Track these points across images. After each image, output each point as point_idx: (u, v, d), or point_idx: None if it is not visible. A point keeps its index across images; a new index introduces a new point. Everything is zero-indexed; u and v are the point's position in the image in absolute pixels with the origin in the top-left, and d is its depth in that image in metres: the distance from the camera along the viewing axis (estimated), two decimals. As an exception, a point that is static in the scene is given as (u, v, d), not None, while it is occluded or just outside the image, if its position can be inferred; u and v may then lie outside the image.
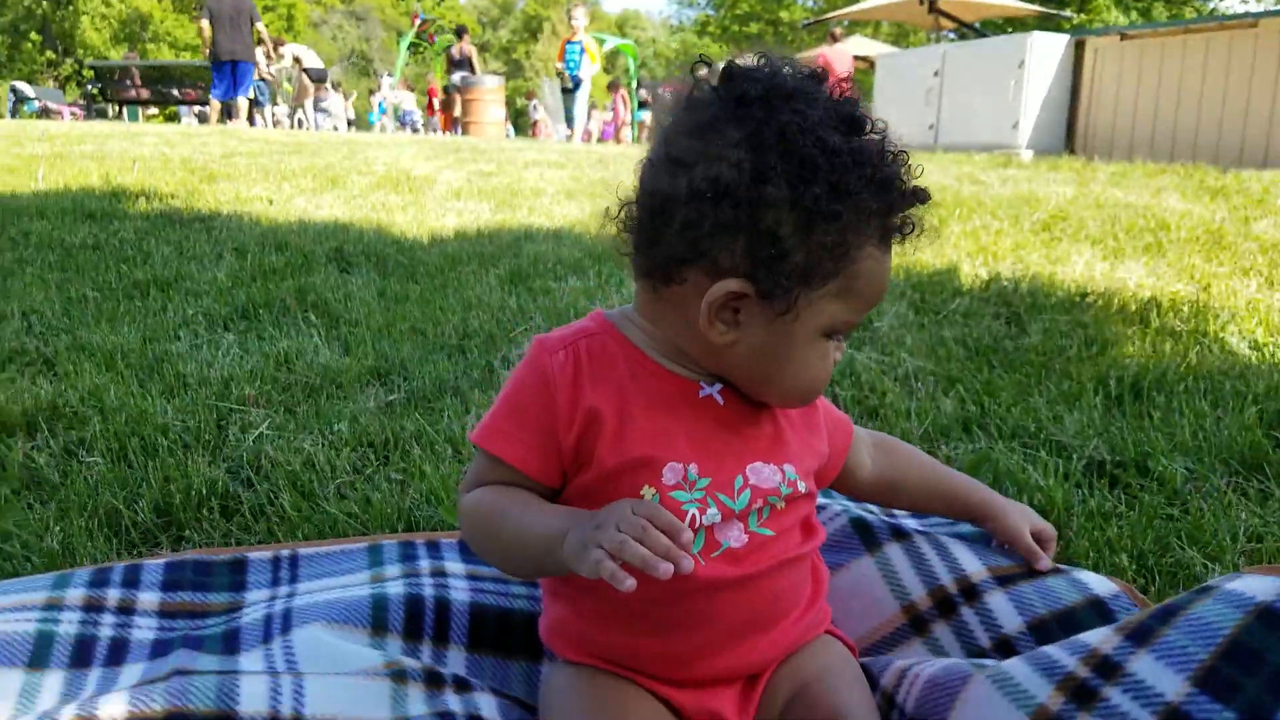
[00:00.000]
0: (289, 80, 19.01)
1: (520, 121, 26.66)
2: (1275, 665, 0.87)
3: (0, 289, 3.11)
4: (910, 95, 11.53)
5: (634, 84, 22.41)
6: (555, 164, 8.29)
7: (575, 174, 7.42)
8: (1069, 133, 10.31)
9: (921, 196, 0.95)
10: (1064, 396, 2.12)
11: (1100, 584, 1.18)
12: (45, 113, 21.86)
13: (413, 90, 23.43)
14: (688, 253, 0.93)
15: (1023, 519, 1.24)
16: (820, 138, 0.88)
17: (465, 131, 17.58)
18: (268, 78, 16.01)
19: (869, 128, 0.93)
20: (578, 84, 14.32)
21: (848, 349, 2.47)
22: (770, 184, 0.88)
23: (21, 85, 24.75)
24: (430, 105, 21.10)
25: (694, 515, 0.96)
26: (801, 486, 1.03)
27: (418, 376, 2.27)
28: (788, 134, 0.88)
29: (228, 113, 13.75)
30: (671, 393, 0.99)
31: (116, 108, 23.01)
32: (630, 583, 0.80)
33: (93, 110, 23.59)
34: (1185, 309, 2.93)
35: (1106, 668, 0.95)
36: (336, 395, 2.16)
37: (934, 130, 11.09)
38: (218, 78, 13.44)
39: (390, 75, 24.31)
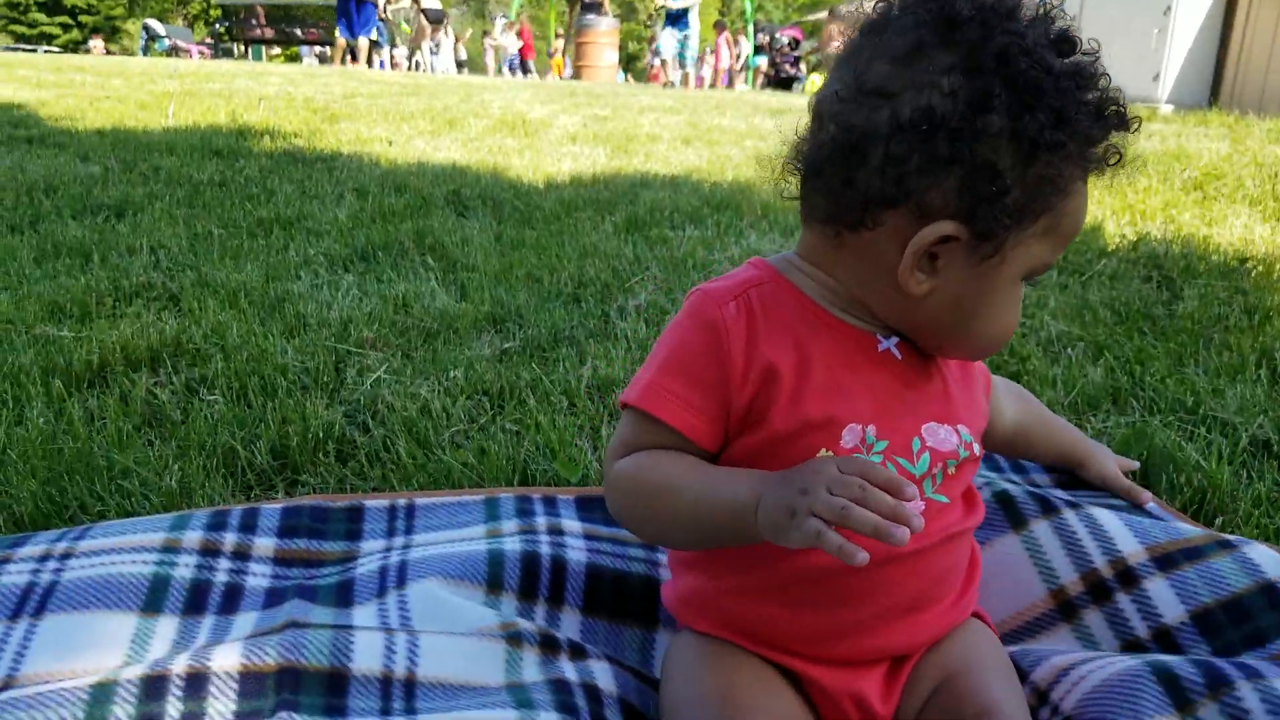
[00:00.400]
0: (407, 21, 19.16)
1: (633, 66, 26.37)
2: (1256, 626, 1.01)
3: (131, 223, 3.19)
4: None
5: (750, 25, 21.93)
6: (670, 109, 8.16)
7: (691, 119, 7.28)
8: (1215, 87, 9.65)
9: (1132, 123, 0.87)
10: (1224, 369, 1.95)
11: (1272, 563, 1.07)
12: (175, 51, 22.61)
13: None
14: (890, 193, 0.83)
15: (1112, 459, 1.26)
16: (1042, 59, 0.80)
17: (577, 75, 17.49)
18: (386, 18, 16.18)
19: (1081, 47, 0.84)
20: (676, 17, 13.31)
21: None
22: (992, 112, 0.79)
23: (153, 23, 25.61)
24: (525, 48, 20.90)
25: None
26: (976, 449, 0.96)
27: (533, 324, 2.23)
28: (1008, 56, 0.79)
29: (351, 54, 13.97)
30: (850, 347, 0.91)
31: (242, 46, 23.66)
32: (863, 556, 0.70)
33: (219, 49, 24.34)
34: (1361, 279, 2.68)
35: None
36: (452, 341, 2.14)
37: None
38: (341, 17, 13.67)
39: (505, 17, 24.28)
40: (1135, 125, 0.87)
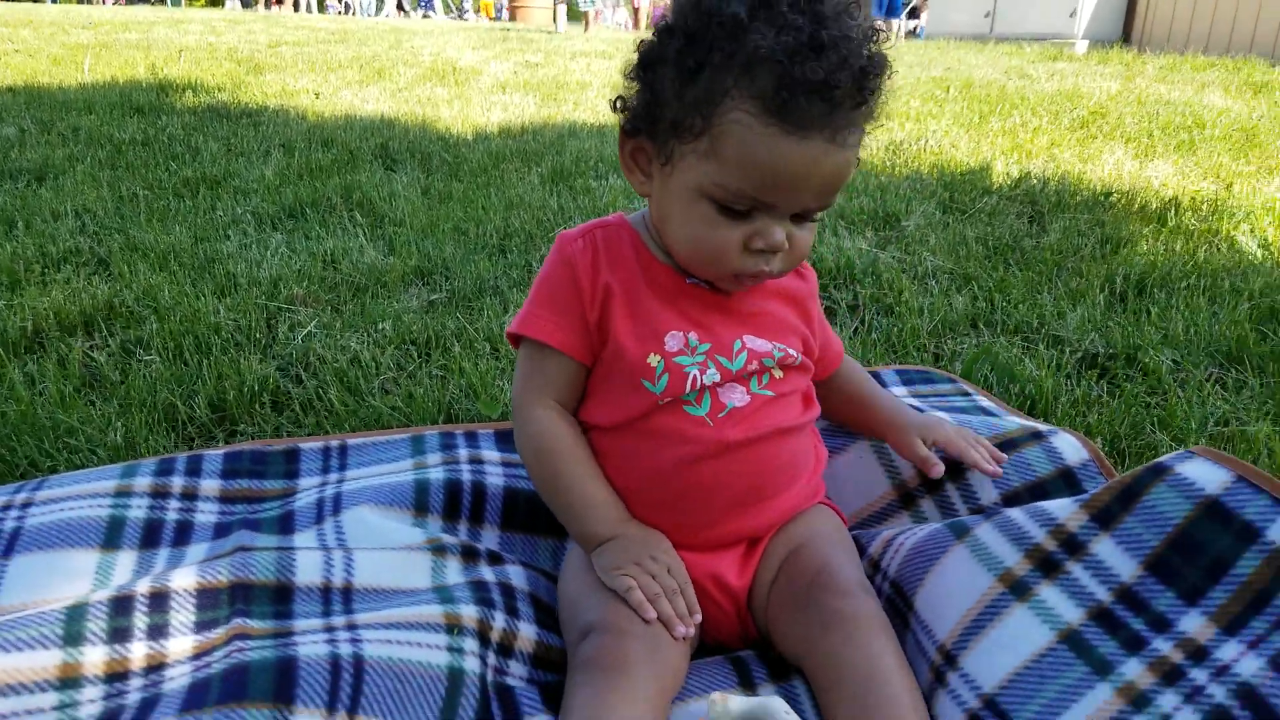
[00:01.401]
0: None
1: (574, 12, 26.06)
2: (1212, 555, 1.02)
3: (53, 187, 3.23)
4: (967, -19, 11.18)
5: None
6: (602, 54, 8.20)
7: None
8: (1127, 22, 9.94)
9: (801, 84, 0.94)
10: (1071, 294, 2.18)
11: (1072, 451, 1.30)
12: (88, -4, 21.80)
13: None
14: (629, 124, 1.08)
15: (914, 434, 1.30)
16: (725, 11, 0.96)
17: (513, 18, 17.27)
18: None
19: (789, 8, 0.96)
20: None
21: (872, 249, 2.51)
22: (667, 45, 1.01)
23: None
24: None
25: (695, 376, 1.10)
26: (793, 352, 1.16)
27: (459, 276, 2.36)
28: (699, 5, 0.98)
29: None
30: (668, 283, 1.13)
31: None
32: (652, 614, 1.03)
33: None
34: (1204, 208, 2.93)
35: (1072, 545, 1.08)
36: (381, 295, 2.26)
37: (990, 19, 10.75)
38: None
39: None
40: (803, 86, 0.94)
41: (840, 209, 2.88)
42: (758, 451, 1.12)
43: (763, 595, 1.13)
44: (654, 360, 1.10)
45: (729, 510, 1.12)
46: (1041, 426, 1.38)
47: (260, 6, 13.43)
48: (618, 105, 1.09)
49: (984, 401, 1.59)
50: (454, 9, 21.17)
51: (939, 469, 1.27)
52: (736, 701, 0.98)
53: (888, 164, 3.59)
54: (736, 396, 1.12)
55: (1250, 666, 0.91)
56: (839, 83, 0.95)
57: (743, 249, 1.05)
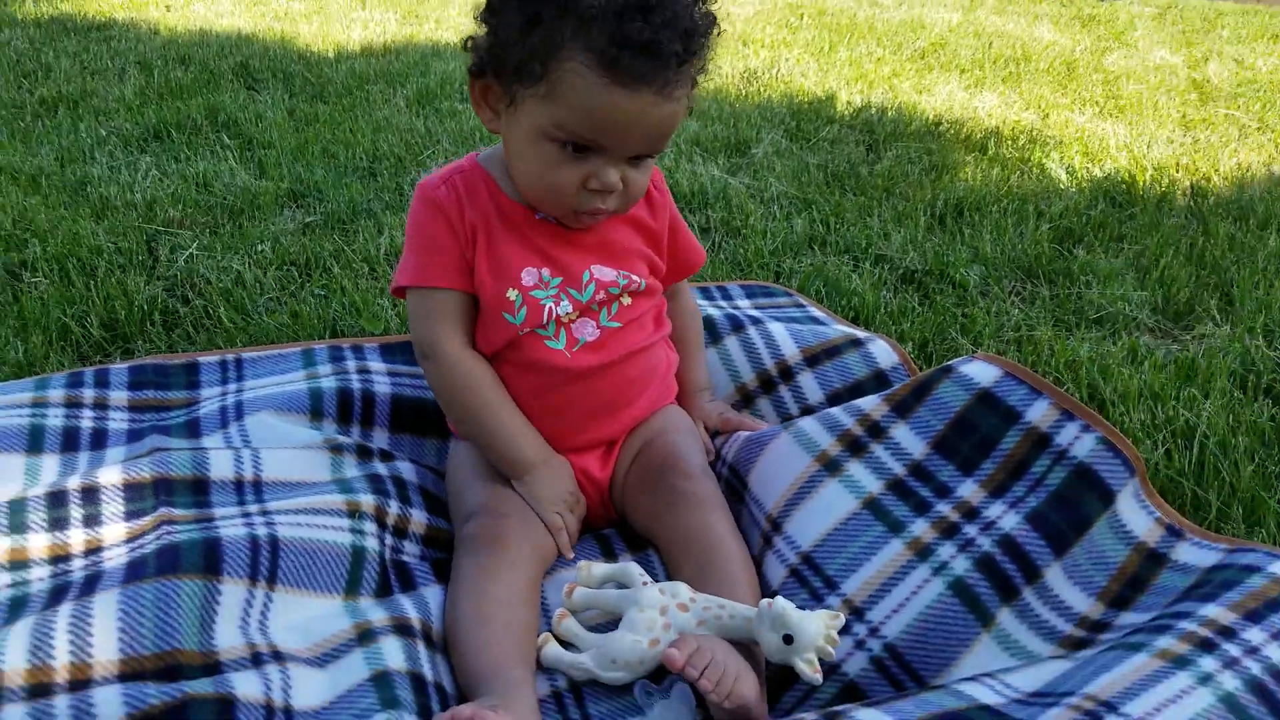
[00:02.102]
0: None
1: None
2: (983, 432, 1.25)
3: (-98, 106, 3.13)
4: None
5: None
6: (460, -32, 8.06)
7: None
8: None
9: (629, 43, 1.05)
10: (897, 217, 2.44)
11: (885, 355, 1.55)
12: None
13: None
14: (476, 65, 1.19)
15: (706, 412, 1.46)
16: None
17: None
18: None
19: None
20: None
21: (723, 175, 2.72)
22: None
23: None
24: None
25: (550, 308, 1.26)
26: (636, 278, 1.30)
27: (332, 199, 2.45)
28: None
29: None
30: (519, 220, 1.27)
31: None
32: (571, 555, 1.24)
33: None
34: (1021, 138, 3.24)
35: (875, 430, 1.30)
36: (256, 217, 2.34)
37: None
38: None
39: None
40: (633, 41, 1.05)
41: (695, 136, 3.07)
42: (610, 373, 1.30)
43: (620, 482, 1.34)
44: (512, 294, 1.25)
45: (589, 422, 1.32)
46: (861, 334, 1.63)
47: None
48: (468, 45, 1.20)
49: (815, 312, 1.83)
50: None
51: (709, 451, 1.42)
52: (600, 568, 1.19)
53: (742, 92, 3.78)
54: (588, 331, 1.28)
55: (1010, 521, 1.15)
56: (664, 41, 1.06)
57: (580, 187, 1.17)
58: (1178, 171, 2.94)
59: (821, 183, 2.68)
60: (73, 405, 1.40)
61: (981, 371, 1.31)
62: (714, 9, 1.17)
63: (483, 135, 3.10)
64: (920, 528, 1.18)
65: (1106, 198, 2.66)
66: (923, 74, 4.20)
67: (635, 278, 1.31)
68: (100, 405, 1.42)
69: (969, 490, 1.21)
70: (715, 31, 1.17)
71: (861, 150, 3.03)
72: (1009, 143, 3.18)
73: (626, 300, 1.31)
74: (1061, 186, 2.78)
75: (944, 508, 1.20)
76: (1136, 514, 1.16)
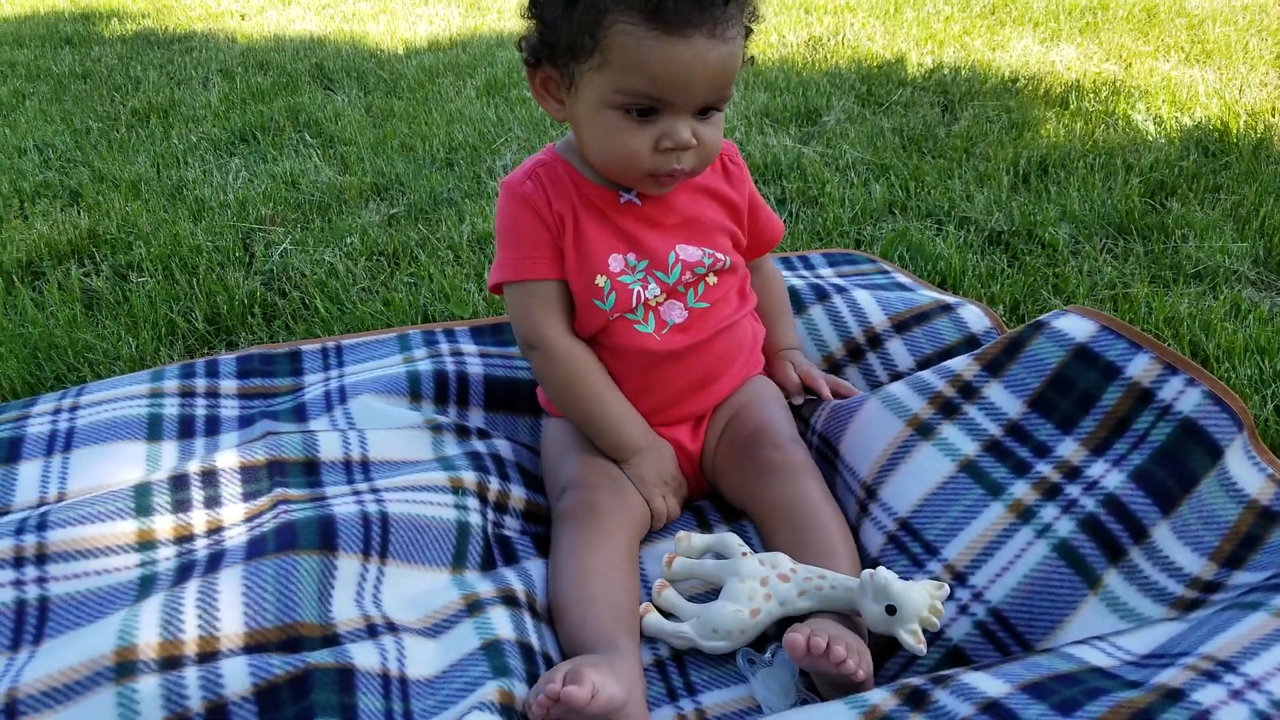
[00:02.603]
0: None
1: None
2: (1081, 389, 1.22)
3: (8, 123, 3.27)
4: None
5: None
6: (522, -41, 8.11)
7: (543, -30, 7.28)
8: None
9: None
10: (978, 178, 2.39)
11: (976, 319, 1.52)
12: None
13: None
14: (530, 56, 1.21)
15: (786, 362, 1.46)
16: None
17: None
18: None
19: None
20: None
21: (796, 145, 2.70)
22: None
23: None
24: None
25: (638, 292, 1.27)
26: (721, 256, 1.30)
27: (414, 190, 2.51)
28: None
29: None
30: (602, 203, 1.27)
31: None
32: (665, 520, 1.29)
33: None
34: (1104, 90, 3.14)
35: (968, 390, 1.28)
36: (343, 211, 2.40)
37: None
38: None
39: None
40: None
41: (765, 107, 3.05)
42: (699, 352, 1.31)
43: (710, 454, 1.35)
44: (601, 281, 1.26)
45: (679, 399, 1.33)
46: (950, 299, 1.60)
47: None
48: (521, 45, 1.21)
49: (901, 278, 1.81)
50: None
51: (798, 399, 1.43)
52: (699, 538, 1.20)
53: (808, 60, 3.74)
54: (676, 313, 1.29)
55: (1114, 480, 1.12)
56: None
57: (653, 150, 1.16)
58: (1274, 116, 2.83)
59: (897, 147, 2.65)
60: (186, 395, 1.46)
61: (1076, 326, 1.28)
62: None
63: (553, 120, 3.12)
64: (1021, 489, 1.16)
65: (1199, 147, 2.58)
66: (995, 30, 4.10)
67: (720, 256, 1.31)
68: (212, 394, 1.48)
69: (1069, 449, 1.19)
70: None
71: (937, 112, 2.99)
72: (1091, 96, 3.10)
73: (712, 280, 1.31)
74: (1149, 138, 2.70)
75: (1044, 468, 1.18)
76: (1247, 470, 1.13)
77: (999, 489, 1.17)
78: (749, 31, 1.19)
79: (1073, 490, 1.14)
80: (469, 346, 1.60)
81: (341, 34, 4.82)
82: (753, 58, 1.23)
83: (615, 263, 1.27)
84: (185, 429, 1.41)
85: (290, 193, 2.52)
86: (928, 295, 1.63)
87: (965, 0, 4.70)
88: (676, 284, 1.29)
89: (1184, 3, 4.45)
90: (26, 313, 1.86)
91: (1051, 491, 1.14)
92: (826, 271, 1.83)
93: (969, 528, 1.15)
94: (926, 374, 1.34)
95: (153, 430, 1.38)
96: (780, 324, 1.50)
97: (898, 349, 1.51)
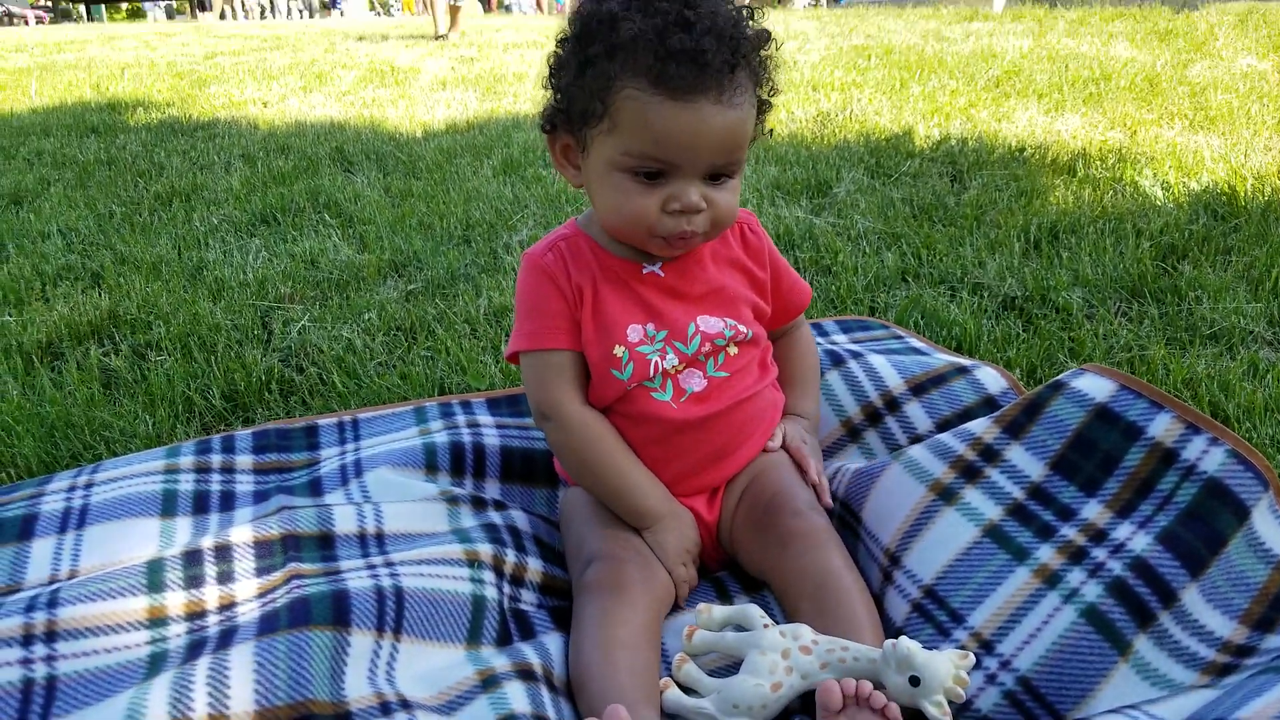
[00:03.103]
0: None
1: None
2: (1104, 450, 1.20)
3: (33, 209, 3.34)
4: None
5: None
6: (534, 44, 8.32)
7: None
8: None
9: (673, 54, 1.08)
10: (990, 245, 2.41)
11: (993, 381, 1.51)
12: (8, 18, 21.35)
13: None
14: (547, 124, 1.24)
15: (776, 434, 1.39)
16: (602, 10, 1.13)
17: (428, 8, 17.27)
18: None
19: (660, 2, 1.11)
20: None
21: (808, 216, 2.72)
22: (564, 49, 1.19)
23: (-18, -12, 24.10)
24: None
25: (656, 362, 1.26)
26: (743, 328, 1.30)
27: (431, 267, 2.53)
28: (582, 10, 1.16)
29: (200, 3, 13.65)
30: (624, 274, 1.29)
31: (82, 7, 22.46)
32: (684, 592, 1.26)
33: (58, 11, 23.07)
34: (1110, 157, 3.17)
35: (989, 453, 1.26)
36: (361, 288, 2.43)
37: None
38: None
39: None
40: (680, 54, 1.08)
41: (776, 180, 3.09)
42: (717, 422, 1.30)
43: (728, 524, 1.32)
44: (619, 351, 1.26)
45: (697, 469, 1.31)
46: (966, 361, 1.60)
47: (187, 15, 13.36)
48: (542, 115, 1.24)
49: (916, 343, 1.81)
50: (379, 7, 21.20)
51: (813, 478, 1.35)
52: (720, 610, 1.18)
53: (817, 135, 3.79)
54: (695, 382, 1.28)
55: (1141, 543, 1.10)
56: (707, 47, 1.09)
57: (661, 211, 1.17)
58: (1281, 179, 2.85)
59: (908, 216, 2.67)
60: (202, 470, 1.46)
61: (1095, 385, 1.27)
62: (763, 26, 1.19)
63: (568, 196, 3.17)
64: (1046, 553, 1.14)
65: (1207, 211, 2.59)
66: (999, 102, 4.16)
67: (742, 328, 1.31)
68: (227, 469, 1.48)
69: (1094, 511, 1.17)
70: (769, 45, 1.18)
71: (946, 182, 3.01)
72: (1098, 163, 3.12)
73: (733, 350, 1.31)
74: (1158, 203, 2.71)
75: (1069, 531, 1.16)
76: (1274, 530, 1.10)
77: (1024, 553, 1.15)
78: (765, 104, 1.21)
79: (1099, 553, 1.11)
80: (485, 418, 1.59)
81: (361, 119, 4.94)
82: (770, 130, 1.25)
83: (634, 333, 1.27)
84: (200, 505, 1.40)
85: (309, 271, 2.55)
86: (943, 359, 1.62)
87: (969, 75, 4.78)
88: (696, 354, 1.29)
89: (1184, 72, 4.52)
90: (45, 392, 1.87)
91: (1077, 555, 1.12)
92: (841, 338, 1.83)
93: (995, 594, 1.12)
94: (946, 437, 1.33)
95: (167, 506, 1.38)
96: (796, 389, 1.47)
97: (916, 412, 1.50)
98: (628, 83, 1.11)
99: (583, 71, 1.15)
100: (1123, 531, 1.13)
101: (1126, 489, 1.17)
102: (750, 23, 1.16)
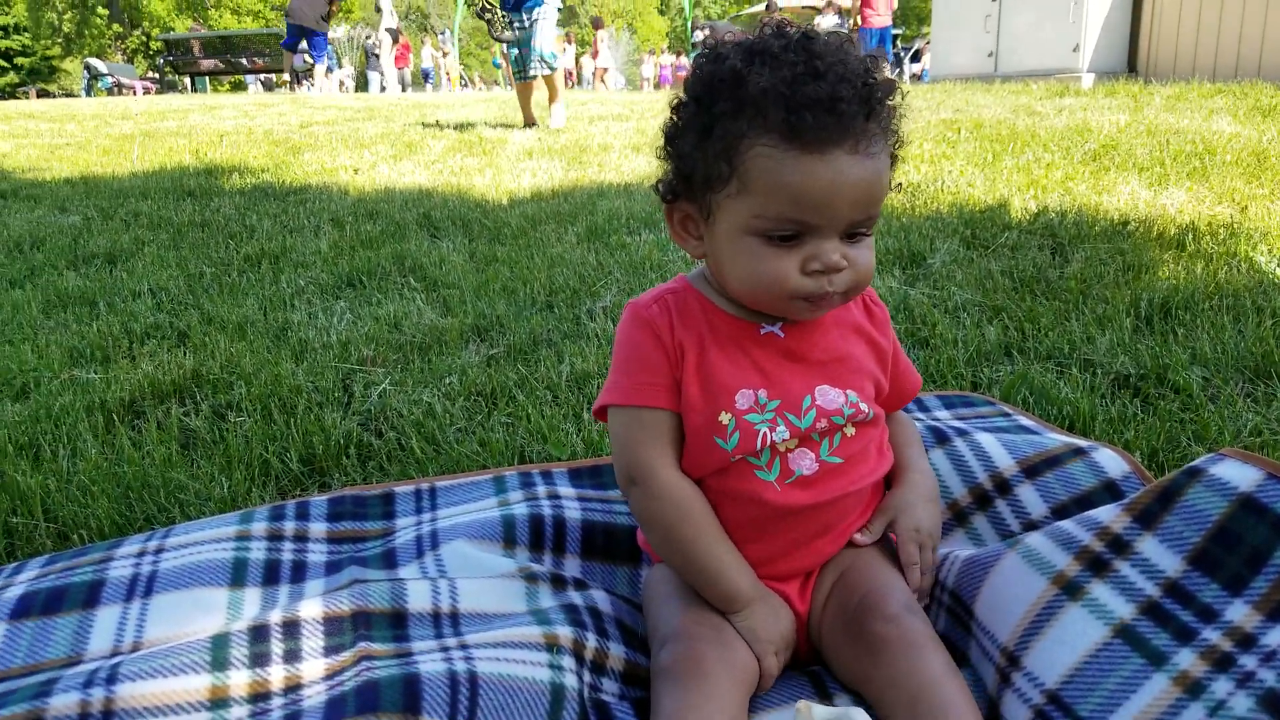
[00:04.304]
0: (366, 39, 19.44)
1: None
2: (1251, 545, 1.07)
3: (126, 268, 3.42)
4: (968, 22, 11.35)
5: (689, 23, 22.24)
6: (619, 117, 8.42)
7: (639, 125, 7.56)
8: (1131, 53, 10.10)
9: (807, 104, 1.02)
10: (1098, 320, 2.28)
11: (1113, 464, 1.38)
12: (119, 88, 22.51)
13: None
14: (667, 193, 1.17)
15: (875, 521, 1.26)
16: (724, 68, 1.07)
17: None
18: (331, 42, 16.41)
19: (782, 50, 1.05)
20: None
21: (902, 287, 2.62)
22: (683, 114, 1.13)
23: (95, 62, 25.48)
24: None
25: (765, 434, 1.15)
26: (864, 407, 1.19)
27: (514, 331, 2.49)
28: (700, 71, 1.09)
29: (296, 77, 14.19)
30: (738, 334, 1.19)
31: (187, 80, 23.60)
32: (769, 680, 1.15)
33: (164, 83, 24.29)
34: (1221, 232, 3.02)
35: (1118, 545, 1.15)
36: (444, 351, 2.40)
37: (993, 58, 10.93)
38: (293, 43, 13.91)
39: (449, 31, 24.44)
40: (811, 104, 1.01)
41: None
42: (824, 511, 1.19)
43: (816, 623, 1.21)
44: (725, 418, 1.15)
45: (793, 552, 1.20)
46: (1083, 443, 1.47)
47: (285, 88, 13.93)
48: (659, 187, 1.17)
49: (1024, 420, 1.69)
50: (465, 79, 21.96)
51: (913, 573, 1.23)
52: (821, 711, 1.07)
53: (908, 206, 3.70)
54: (805, 464, 1.17)
55: None
56: (842, 94, 1.02)
57: (800, 273, 1.09)
58: None
59: (1008, 289, 2.56)
60: (274, 538, 1.41)
61: (1238, 473, 1.14)
62: (890, 77, 1.12)
63: (652, 264, 3.12)
64: (1186, 659, 1.01)
65: (1334, 289, 2.43)
66: (1098, 175, 4.03)
67: (863, 406, 1.20)
68: (300, 538, 1.42)
69: (1240, 614, 1.03)
70: (897, 91, 1.11)
71: (1046, 255, 2.89)
72: (1208, 238, 2.97)
73: (850, 431, 1.20)
74: (1276, 279, 2.55)
75: (1212, 634, 1.02)
76: None
77: (1161, 658, 1.02)
78: (894, 157, 1.13)
79: (1247, 661, 0.98)
80: (566, 489, 1.52)
81: (448, 186, 5.01)
82: (900, 184, 1.17)
83: (743, 399, 1.16)
84: (270, 575, 1.35)
85: (392, 334, 2.54)
86: (1057, 439, 1.50)
87: (1066, 148, 4.66)
88: (809, 430, 1.18)
89: (1292, 144, 4.34)
90: (123, 451, 1.85)
91: (1223, 662, 0.99)
92: (943, 414, 1.72)
93: (1129, 702, 1.00)
94: (1069, 524, 1.21)
95: (237, 575, 1.32)
96: (908, 448, 1.33)
97: (1030, 496, 1.37)
98: (757, 140, 1.05)
99: (707, 134, 1.08)
100: (1274, 638, 0.99)
101: (1277, 589, 1.03)
102: (877, 73, 1.09)
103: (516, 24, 7.17)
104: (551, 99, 7.71)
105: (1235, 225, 3.10)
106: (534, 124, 7.77)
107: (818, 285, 1.10)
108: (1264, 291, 2.44)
